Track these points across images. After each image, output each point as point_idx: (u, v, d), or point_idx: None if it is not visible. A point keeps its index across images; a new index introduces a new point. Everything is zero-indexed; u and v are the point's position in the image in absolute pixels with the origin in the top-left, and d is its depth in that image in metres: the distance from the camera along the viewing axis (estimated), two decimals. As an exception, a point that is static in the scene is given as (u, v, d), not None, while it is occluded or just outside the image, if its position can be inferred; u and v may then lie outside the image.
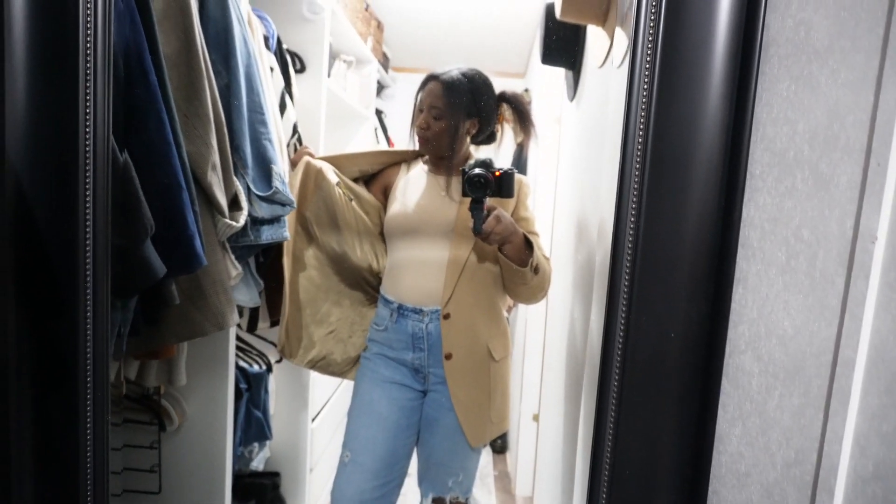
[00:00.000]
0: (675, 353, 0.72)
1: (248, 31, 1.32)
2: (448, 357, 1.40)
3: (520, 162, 2.92)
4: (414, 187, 1.47)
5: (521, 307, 2.85)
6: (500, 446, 3.16)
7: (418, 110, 1.46)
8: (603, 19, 1.15)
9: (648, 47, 0.68)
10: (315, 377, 2.13)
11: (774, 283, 0.60)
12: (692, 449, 0.74)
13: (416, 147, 1.49)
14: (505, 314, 1.55)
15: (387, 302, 1.46)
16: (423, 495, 1.52)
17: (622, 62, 1.07)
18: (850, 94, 0.48)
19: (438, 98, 1.43)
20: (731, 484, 0.69)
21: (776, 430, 0.60)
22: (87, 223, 0.75)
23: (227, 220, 1.19)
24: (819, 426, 0.51)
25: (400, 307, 1.43)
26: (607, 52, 1.18)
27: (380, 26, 2.86)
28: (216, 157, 1.14)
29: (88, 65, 0.71)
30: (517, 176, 1.38)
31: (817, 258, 0.52)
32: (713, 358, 0.71)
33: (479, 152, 1.58)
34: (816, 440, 0.51)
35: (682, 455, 0.75)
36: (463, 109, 1.46)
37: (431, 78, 1.45)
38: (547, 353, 2.05)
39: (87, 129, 0.72)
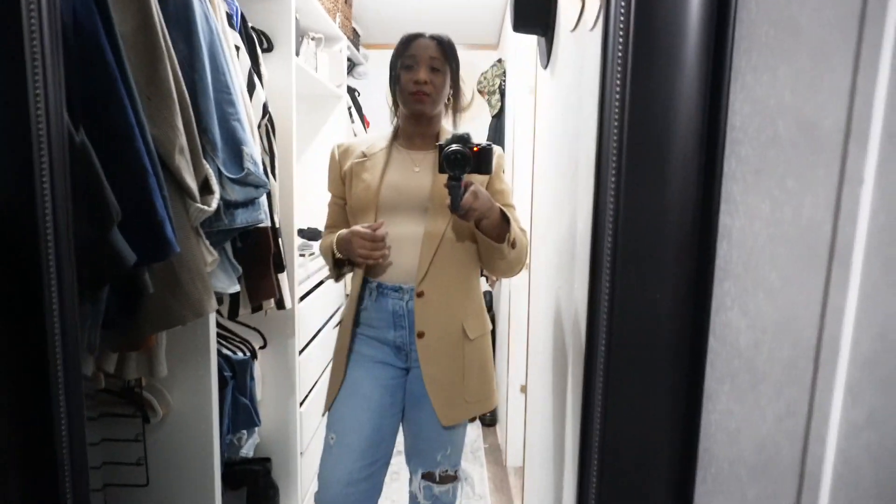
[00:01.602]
0: (661, 314, 0.72)
1: (210, 9, 1.27)
2: (420, 335, 1.39)
3: (496, 133, 2.90)
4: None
5: (505, 280, 2.85)
6: (489, 419, 3.18)
7: (406, 67, 1.39)
8: (574, -21, 1.12)
9: (622, 4, 0.66)
10: (301, 362, 2.12)
11: (759, 235, 0.59)
12: (682, 409, 0.74)
13: (407, 105, 1.42)
14: (488, 288, 1.54)
15: (365, 281, 1.44)
16: (413, 471, 1.52)
17: (595, 24, 1.04)
18: (835, 33, 0.47)
19: (434, 51, 1.39)
20: (723, 441, 0.69)
21: (766, 384, 0.59)
22: (47, 210, 0.71)
23: (199, 205, 1.16)
24: (809, 377, 0.51)
25: (379, 286, 1.41)
26: (579, 14, 1.16)
27: (347, 2, 2.79)
28: (183, 140, 1.11)
29: (35, 43, 0.67)
30: (495, 149, 1.36)
31: (803, 207, 0.51)
32: (700, 316, 0.71)
33: (458, 126, 1.55)
34: (807, 391, 0.51)
35: (672, 416, 0.74)
36: (455, 67, 1.44)
37: (418, 36, 1.41)
38: (532, 323, 2.05)
39: (39, 111, 0.68)
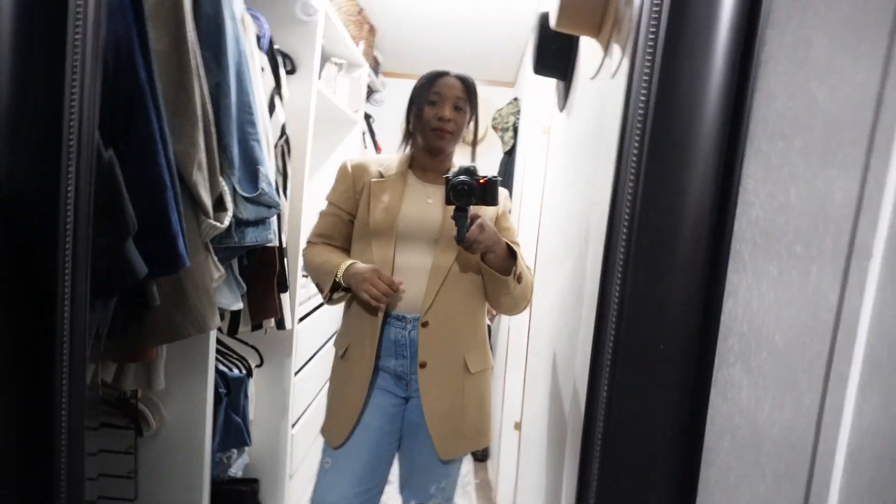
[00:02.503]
0: (665, 365, 0.72)
1: (241, 30, 1.31)
2: (423, 366, 1.39)
3: (507, 170, 2.93)
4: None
5: (505, 316, 2.85)
6: (481, 455, 3.15)
7: (431, 103, 1.41)
8: (597, 31, 1.15)
9: (647, 62, 0.68)
10: (296, 383, 2.11)
11: (766, 297, 0.60)
12: (681, 462, 0.74)
13: (427, 140, 1.43)
14: (487, 322, 1.54)
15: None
16: (406, 501, 1.50)
17: (616, 72, 1.07)
18: (849, 111, 0.48)
19: (460, 91, 1.42)
20: (719, 497, 0.69)
21: (766, 443, 0.59)
22: (68, 220, 0.73)
23: (212, 221, 1.18)
24: (811, 440, 0.51)
25: (385, 314, 1.42)
26: (601, 63, 1.19)
27: (372, 30, 2.85)
28: (202, 156, 1.13)
29: (76, 58, 0.69)
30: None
31: (810, 273, 0.52)
32: (702, 370, 0.71)
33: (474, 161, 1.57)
34: (808, 454, 0.51)
35: (671, 468, 0.74)
36: (476, 107, 1.48)
37: (443, 74, 1.43)
38: (530, 361, 2.04)
39: (72, 124, 0.70)
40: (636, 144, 0.69)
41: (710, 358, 0.71)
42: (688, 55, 0.63)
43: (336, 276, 1.39)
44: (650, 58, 0.65)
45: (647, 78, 0.67)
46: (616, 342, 0.72)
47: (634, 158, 0.69)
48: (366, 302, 1.34)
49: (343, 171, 1.50)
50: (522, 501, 1.94)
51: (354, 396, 1.41)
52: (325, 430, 1.45)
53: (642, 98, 0.68)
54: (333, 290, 1.41)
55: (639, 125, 0.69)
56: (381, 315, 1.38)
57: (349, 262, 1.40)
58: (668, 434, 0.74)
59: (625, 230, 0.70)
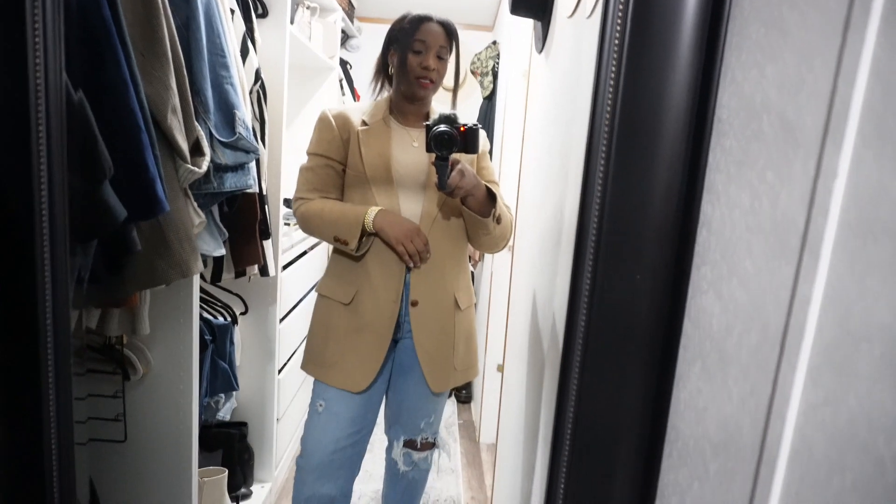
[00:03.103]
0: (641, 296, 0.74)
1: (208, -32, 1.26)
2: (414, 304, 1.42)
3: (487, 115, 2.91)
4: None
5: (487, 259, 2.88)
6: (465, 396, 3.24)
7: (415, 51, 1.38)
8: (575, -36, 1.13)
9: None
10: (281, 330, 2.13)
11: (737, 225, 0.62)
12: (654, 387, 0.77)
13: (410, 88, 1.41)
14: (470, 267, 1.57)
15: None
16: (395, 438, 1.56)
17: (592, 12, 1.06)
18: (819, 37, 0.49)
19: (443, 38, 1.40)
20: (690, 418, 0.72)
21: (734, 366, 0.62)
22: (42, 162, 0.72)
23: (189, 166, 1.16)
24: (774, 361, 0.54)
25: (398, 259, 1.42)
26: (577, 1, 1.17)
27: (345, -29, 2.75)
28: (176, 100, 1.11)
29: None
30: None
31: (779, 199, 0.53)
32: (676, 299, 0.74)
33: (455, 106, 1.56)
34: (772, 373, 0.54)
35: (645, 394, 0.78)
36: (458, 54, 1.46)
37: (426, 19, 1.40)
38: (512, 305, 2.08)
39: (38, 63, 0.68)
40: (611, 86, 0.69)
41: (684, 287, 0.73)
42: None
43: (364, 223, 1.35)
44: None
45: (620, 19, 0.66)
46: (594, 274, 0.74)
47: (610, 99, 0.69)
48: (399, 253, 1.35)
49: (324, 121, 1.44)
50: (504, 440, 2.01)
51: (376, 344, 1.42)
52: (334, 376, 1.43)
53: (616, 39, 0.68)
54: (361, 238, 1.37)
55: (613, 67, 0.69)
56: (397, 262, 1.39)
57: (376, 209, 1.37)
58: (642, 361, 0.77)
59: (601, 165, 0.71)
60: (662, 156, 0.69)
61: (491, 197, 1.37)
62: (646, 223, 0.71)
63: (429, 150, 1.25)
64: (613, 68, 0.70)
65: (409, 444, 1.54)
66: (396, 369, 1.51)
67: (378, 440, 1.54)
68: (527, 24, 1.93)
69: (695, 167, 0.69)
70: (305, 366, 1.49)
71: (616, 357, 0.76)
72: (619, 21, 0.68)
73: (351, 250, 1.37)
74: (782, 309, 0.53)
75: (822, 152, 0.47)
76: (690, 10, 0.63)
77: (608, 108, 0.71)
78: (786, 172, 0.52)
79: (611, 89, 0.70)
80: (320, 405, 1.45)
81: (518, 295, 1.88)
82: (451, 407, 3.15)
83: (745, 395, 0.59)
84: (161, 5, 1.06)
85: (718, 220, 0.66)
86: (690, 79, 0.66)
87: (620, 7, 0.68)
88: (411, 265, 1.38)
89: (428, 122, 1.26)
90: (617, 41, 0.69)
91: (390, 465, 1.59)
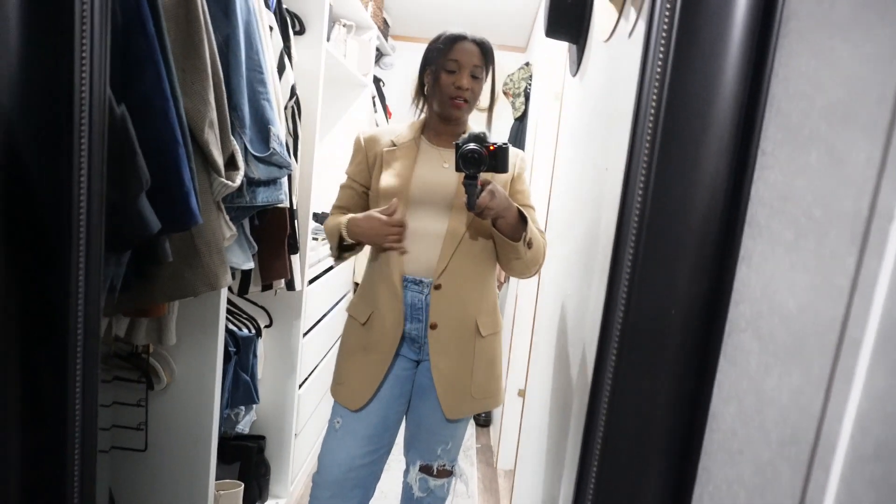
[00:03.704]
0: (675, 329, 0.72)
1: (250, -14, 1.28)
2: (433, 327, 1.40)
3: (518, 136, 2.90)
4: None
5: (513, 283, 2.86)
6: (484, 420, 3.20)
7: (449, 71, 1.39)
8: (614, -10, 1.12)
9: (665, 18, 0.67)
10: (304, 344, 2.14)
11: (781, 261, 0.60)
12: (685, 426, 0.75)
13: (444, 109, 1.42)
14: (496, 290, 1.55)
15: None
16: (411, 463, 1.53)
17: (632, 32, 1.05)
18: (872, 69, 0.47)
19: (478, 58, 1.40)
20: (723, 461, 0.69)
21: (773, 408, 0.60)
22: (82, 174, 0.73)
23: (223, 180, 1.18)
24: (819, 406, 0.51)
25: (402, 278, 1.42)
26: (615, 25, 1.16)
27: (382, -9, 2.80)
28: (213, 114, 1.12)
29: (85, 10, 0.68)
30: (514, 150, 1.37)
31: (827, 237, 0.51)
32: (712, 335, 0.71)
33: (489, 127, 1.56)
34: (815, 419, 0.51)
35: (674, 432, 0.75)
36: (493, 73, 1.46)
37: (461, 38, 1.40)
38: (536, 329, 2.06)
39: (84, 77, 0.70)
40: (652, 108, 0.67)
41: (720, 324, 0.71)
42: (707, 14, 0.62)
43: (342, 236, 1.42)
44: (668, 17, 0.63)
45: (664, 38, 0.65)
46: (627, 307, 0.73)
47: (651, 123, 0.68)
48: (391, 247, 1.37)
49: (357, 143, 1.51)
50: (523, 466, 1.98)
51: (377, 363, 1.43)
52: (341, 393, 1.46)
53: (660, 60, 0.66)
54: (341, 248, 1.45)
55: (655, 88, 0.67)
56: (399, 281, 1.40)
57: (347, 217, 1.42)
58: (674, 400, 0.74)
59: (639, 197, 0.70)
60: (703, 186, 0.68)
61: (523, 220, 1.36)
62: (683, 255, 0.69)
63: (458, 168, 1.25)
64: (655, 95, 0.68)
65: (425, 470, 1.52)
66: (416, 391, 1.49)
67: (397, 462, 1.52)
68: (560, 47, 1.93)
69: (737, 199, 0.67)
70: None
71: (647, 393, 0.73)
72: (662, 45, 0.67)
73: (332, 257, 1.49)
74: (828, 351, 0.50)
75: (878, 190, 0.45)
76: (736, 37, 0.62)
77: (648, 135, 0.69)
78: (835, 209, 0.51)
79: (651, 116, 0.69)
80: (337, 422, 1.44)
81: (543, 319, 1.86)
82: (469, 430, 3.11)
83: (785, 441, 0.57)
84: (203, 22, 1.08)
85: (759, 255, 0.64)
86: (735, 108, 0.65)
87: (664, 31, 0.67)
88: (404, 253, 1.39)
89: (457, 142, 1.26)
90: (660, 66, 0.68)
91: (406, 489, 1.56)
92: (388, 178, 1.42)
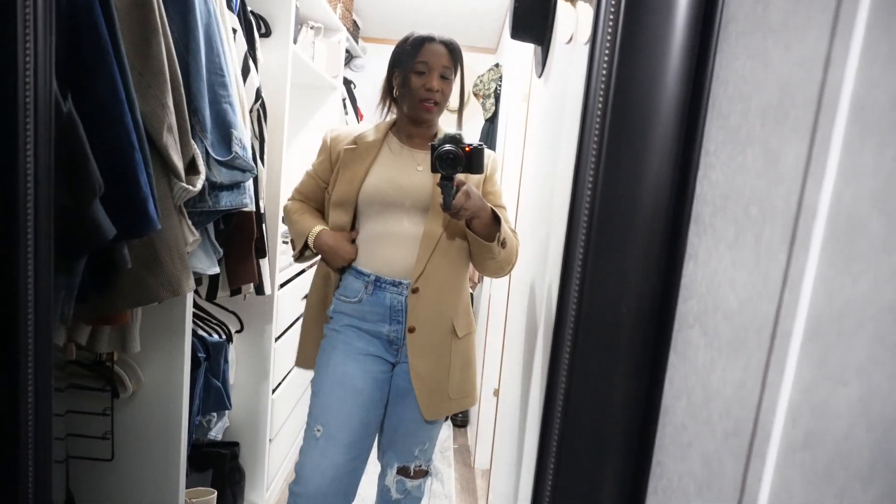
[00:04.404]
0: (627, 326, 0.73)
1: (209, -11, 1.27)
2: (411, 330, 1.40)
3: (489, 137, 2.92)
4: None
5: (486, 282, 2.87)
6: (461, 420, 3.20)
7: (418, 73, 1.39)
8: (571, -7, 1.14)
9: (609, 23, 0.68)
10: (277, 349, 2.12)
11: (723, 258, 0.61)
12: (639, 421, 0.76)
13: (414, 111, 1.43)
14: (469, 290, 1.55)
15: (360, 274, 1.44)
16: (388, 465, 1.53)
17: (589, 39, 1.06)
18: (801, 71, 0.49)
19: (447, 59, 1.41)
20: (675, 455, 0.71)
21: (718, 402, 0.61)
22: (28, 177, 0.72)
23: (184, 184, 1.16)
24: (756, 398, 0.53)
25: (377, 280, 1.42)
26: (573, 28, 1.18)
27: (350, -7, 2.79)
28: (172, 119, 1.11)
29: (28, 7, 0.67)
30: (487, 151, 1.38)
31: (763, 234, 0.53)
32: (663, 332, 0.73)
33: (459, 127, 1.57)
34: (753, 411, 0.53)
35: (629, 428, 0.76)
36: (462, 74, 1.48)
37: (429, 39, 1.41)
38: (508, 329, 2.07)
39: (28, 77, 0.69)
40: (599, 109, 0.69)
41: (670, 320, 0.72)
42: (649, 18, 0.63)
43: (307, 239, 1.46)
44: (612, 22, 0.65)
45: (609, 40, 0.66)
46: (579, 303, 0.74)
47: (598, 123, 0.69)
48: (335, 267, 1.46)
49: (323, 139, 1.54)
50: (498, 466, 1.98)
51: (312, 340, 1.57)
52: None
53: (605, 62, 0.67)
54: (303, 251, 1.50)
55: (602, 90, 0.69)
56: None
57: (319, 228, 1.45)
58: (628, 396, 0.76)
59: (587, 198, 0.71)
60: (649, 187, 0.69)
61: (497, 220, 1.36)
62: (632, 253, 0.70)
63: (433, 169, 1.25)
64: (601, 98, 0.69)
65: (403, 472, 1.51)
66: (394, 394, 1.48)
67: (371, 465, 1.51)
68: (528, 49, 1.94)
69: (682, 198, 0.69)
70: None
71: (601, 390, 0.74)
72: (607, 49, 0.68)
73: (292, 256, 1.53)
74: (764, 345, 0.52)
75: (804, 187, 0.47)
76: (678, 40, 0.63)
77: (595, 138, 0.70)
78: (769, 207, 0.52)
79: (598, 118, 0.70)
80: (318, 430, 1.40)
81: (514, 320, 1.87)
82: (446, 431, 3.11)
83: (729, 433, 0.58)
84: (160, 25, 1.07)
85: (705, 252, 0.66)
86: (678, 109, 0.66)
87: (609, 36, 0.68)
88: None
89: (433, 143, 1.26)
90: (605, 70, 0.69)
91: (382, 491, 1.56)
92: (340, 182, 1.46)
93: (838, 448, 0.42)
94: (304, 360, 1.60)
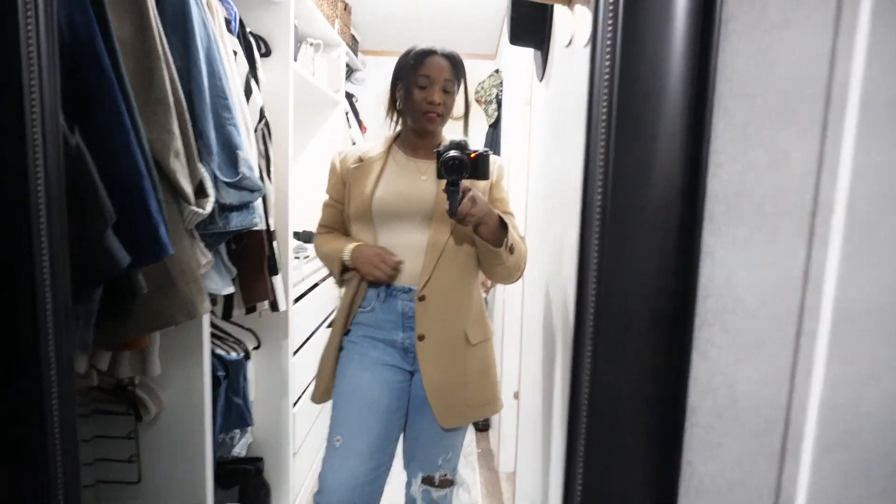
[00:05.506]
0: (646, 327, 0.73)
1: (208, 14, 1.28)
2: (421, 338, 1.40)
3: (493, 143, 2.91)
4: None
5: (499, 287, 2.86)
6: (483, 425, 3.19)
7: (420, 87, 1.40)
8: (569, -3, 1.13)
9: (609, 26, 0.67)
10: (294, 363, 2.13)
11: (739, 256, 0.60)
12: (666, 422, 0.75)
13: (417, 123, 1.44)
14: (483, 295, 1.55)
15: (373, 283, 1.45)
16: (412, 475, 1.52)
17: (588, 42, 1.06)
18: (806, 67, 0.48)
19: (448, 72, 1.41)
20: (705, 455, 0.70)
21: (745, 401, 0.60)
22: (41, 210, 0.72)
23: (193, 208, 1.17)
24: (785, 397, 0.52)
25: (388, 287, 1.42)
26: (573, 31, 1.17)
27: (347, 8, 2.80)
28: (178, 144, 1.12)
29: (31, 46, 0.68)
30: (492, 157, 1.38)
31: (779, 232, 0.52)
32: (683, 331, 0.72)
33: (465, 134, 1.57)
34: (783, 410, 0.52)
35: (656, 428, 0.75)
36: (465, 86, 1.48)
37: (431, 52, 1.41)
38: (525, 331, 2.06)
39: (34, 113, 0.69)
40: (604, 114, 0.68)
41: (689, 319, 0.71)
42: (648, 18, 0.63)
43: (342, 258, 1.45)
44: (612, 22, 0.64)
45: (610, 43, 0.66)
46: (597, 309, 0.73)
47: (603, 128, 0.69)
48: (373, 279, 1.42)
49: (332, 164, 1.55)
50: (523, 468, 1.97)
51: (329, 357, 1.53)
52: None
53: (607, 65, 0.67)
54: (343, 272, 1.48)
55: (605, 94, 0.68)
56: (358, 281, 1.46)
57: (353, 244, 1.44)
58: (653, 397, 0.75)
59: (598, 201, 0.70)
60: (659, 186, 0.68)
61: (504, 227, 1.36)
62: (647, 254, 0.70)
63: (439, 175, 1.26)
64: (605, 100, 0.69)
65: (427, 481, 1.51)
66: (413, 403, 1.48)
67: (396, 475, 1.51)
68: (527, 53, 1.94)
69: (693, 197, 0.68)
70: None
71: (624, 392, 0.73)
72: (608, 51, 0.68)
73: (336, 283, 1.52)
74: (789, 342, 0.51)
75: (819, 184, 0.46)
76: (679, 38, 0.62)
77: (602, 139, 0.70)
78: (782, 204, 0.51)
79: (604, 120, 0.69)
80: (338, 440, 1.41)
81: (530, 321, 1.86)
82: (469, 435, 3.10)
83: (759, 433, 0.57)
84: (161, 53, 1.07)
85: (721, 251, 0.65)
86: (683, 110, 0.65)
87: (609, 40, 0.68)
88: (389, 283, 1.43)
89: (438, 149, 1.27)
90: (607, 73, 0.68)
91: (409, 501, 1.55)
92: (353, 198, 1.46)
93: (876, 446, 0.41)
94: (318, 395, 1.56)
